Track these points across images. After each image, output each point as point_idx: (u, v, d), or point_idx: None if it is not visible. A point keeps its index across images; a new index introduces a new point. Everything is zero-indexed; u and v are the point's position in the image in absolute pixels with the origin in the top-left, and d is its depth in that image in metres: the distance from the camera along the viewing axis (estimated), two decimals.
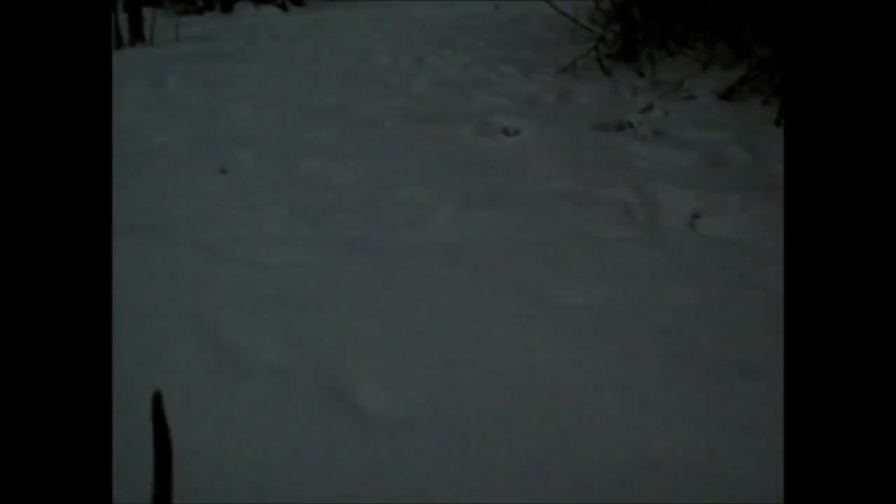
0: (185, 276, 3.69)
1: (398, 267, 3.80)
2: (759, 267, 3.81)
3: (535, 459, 2.55)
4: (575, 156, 5.57)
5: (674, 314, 3.41)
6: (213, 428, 2.64)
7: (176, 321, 3.27)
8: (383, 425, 2.69)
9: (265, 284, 3.61)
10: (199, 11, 18.82)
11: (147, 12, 13.03)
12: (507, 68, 9.13)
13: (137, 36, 12.57)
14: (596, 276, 3.76)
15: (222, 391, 2.82)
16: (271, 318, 3.32)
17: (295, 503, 2.33)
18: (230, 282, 3.63)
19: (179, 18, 15.42)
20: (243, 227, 4.29)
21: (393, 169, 5.24)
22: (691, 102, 7.22)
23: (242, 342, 3.14)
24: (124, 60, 10.40)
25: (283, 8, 19.46)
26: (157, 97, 7.83)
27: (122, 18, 12.31)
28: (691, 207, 4.58)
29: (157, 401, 1.43)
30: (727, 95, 7.19)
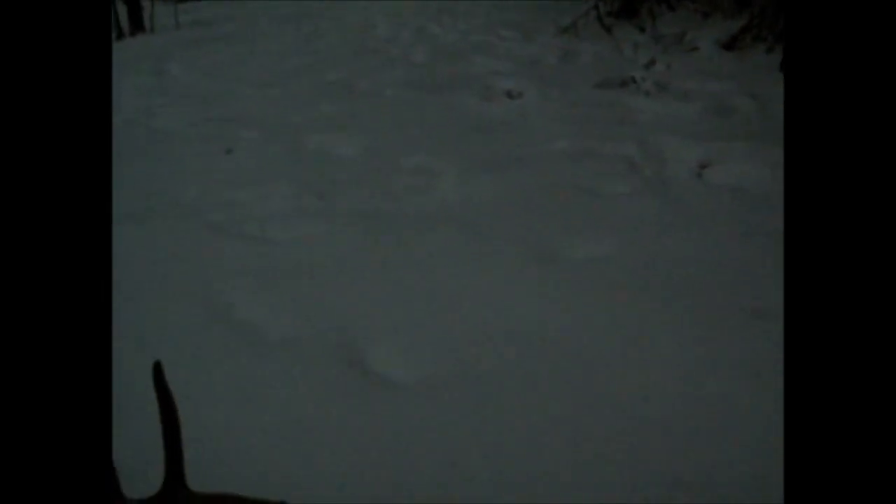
0: (196, 255, 3.72)
1: (406, 234, 3.82)
2: (765, 212, 3.80)
3: (550, 415, 2.56)
4: (578, 114, 5.56)
5: (682, 264, 3.41)
6: (229, 402, 2.67)
7: (190, 299, 3.30)
8: (398, 390, 2.71)
9: (275, 259, 3.63)
10: None
11: (146, 2, 13.02)
12: (507, 32, 9.09)
13: (137, 26, 12.57)
14: (603, 230, 3.77)
15: (238, 365, 2.85)
16: (283, 291, 3.34)
17: (314, 470, 2.36)
18: (241, 259, 3.65)
19: (178, 5, 15.39)
20: (251, 204, 4.31)
21: (397, 138, 5.25)
22: (694, 54, 7.18)
23: (256, 317, 3.17)
24: (126, 51, 10.41)
25: None
26: (160, 84, 7.85)
27: (122, 10, 12.31)
28: (697, 158, 4.57)
29: (158, 370, 1.44)
30: (730, 45, 7.15)
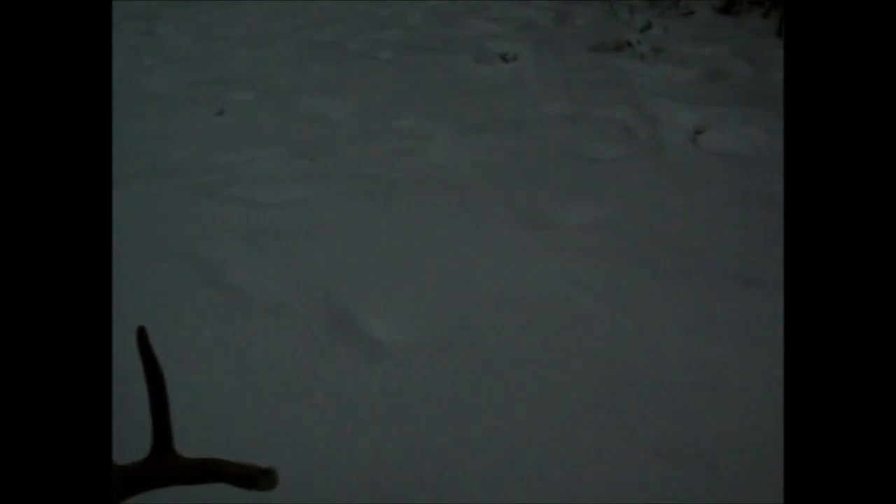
0: (186, 218, 3.68)
1: (397, 196, 3.78)
2: (761, 177, 3.78)
3: (544, 378, 2.55)
4: (573, 78, 5.51)
5: (676, 228, 3.40)
6: (219, 364, 2.65)
7: (180, 262, 3.27)
8: (388, 352, 2.69)
9: (265, 221, 3.60)
10: None
11: None
12: None
13: None
14: (597, 195, 3.75)
15: (227, 328, 2.83)
16: (273, 254, 3.31)
17: (304, 433, 2.34)
18: (231, 221, 3.62)
19: None
20: (242, 166, 4.27)
21: (389, 100, 5.20)
22: (690, 18, 7.12)
23: (245, 279, 3.14)
24: (114, 11, 10.27)
25: None
26: (149, 44, 7.74)
27: None
28: (693, 123, 4.53)
29: (142, 336, 1.43)
30: (726, 9, 7.09)
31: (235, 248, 3.38)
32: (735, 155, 4.11)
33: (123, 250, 3.34)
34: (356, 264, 3.21)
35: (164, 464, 1.43)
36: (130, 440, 1.65)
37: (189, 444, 1.60)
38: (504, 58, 6.22)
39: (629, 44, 6.27)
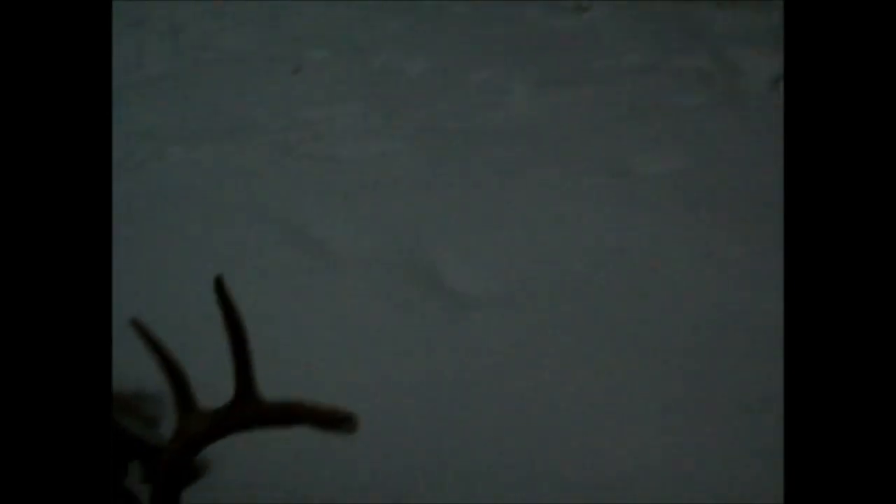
0: (268, 175, 3.75)
1: (475, 150, 3.80)
2: None
3: (625, 328, 2.58)
4: (650, 27, 5.41)
5: (757, 178, 3.35)
6: (304, 316, 2.72)
7: (264, 218, 3.34)
8: (471, 305, 2.73)
9: (346, 177, 3.65)
10: None
11: None
12: None
13: None
14: (676, 145, 3.71)
15: (312, 281, 2.90)
16: (353, 209, 3.37)
17: (386, 381, 2.40)
18: (312, 178, 3.68)
19: None
20: (320, 123, 4.32)
21: (464, 54, 5.18)
22: None
23: (329, 235, 3.20)
24: None
25: None
26: (222, 6, 7.80)
27: None
28: (773, 70, 4.43)
29: (220, 285, 1.45)
30: None
31: (317, 204, 3.44)
32: None
33: (208, 209, 3.43)
34: (437, 218, 3.25)
35: (248, 407, 1.46)
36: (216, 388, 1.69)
37: (274, 389, 1.65)
38: (579, 7, 6.13)
39: None
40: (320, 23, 6.51)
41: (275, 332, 2.64)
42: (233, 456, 2.12)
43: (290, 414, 1.44)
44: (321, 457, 2.10)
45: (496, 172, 3.58)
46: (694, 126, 3.88)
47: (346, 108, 4.50)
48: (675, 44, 4.97)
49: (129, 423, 2.03)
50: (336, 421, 1.40)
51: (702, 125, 3.88)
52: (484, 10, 6.28)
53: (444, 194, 3.42)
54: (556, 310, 2.68)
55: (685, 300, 2.68)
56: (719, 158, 3.56)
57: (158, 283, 2.90)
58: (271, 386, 1.94)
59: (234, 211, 3.42)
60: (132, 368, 1.81)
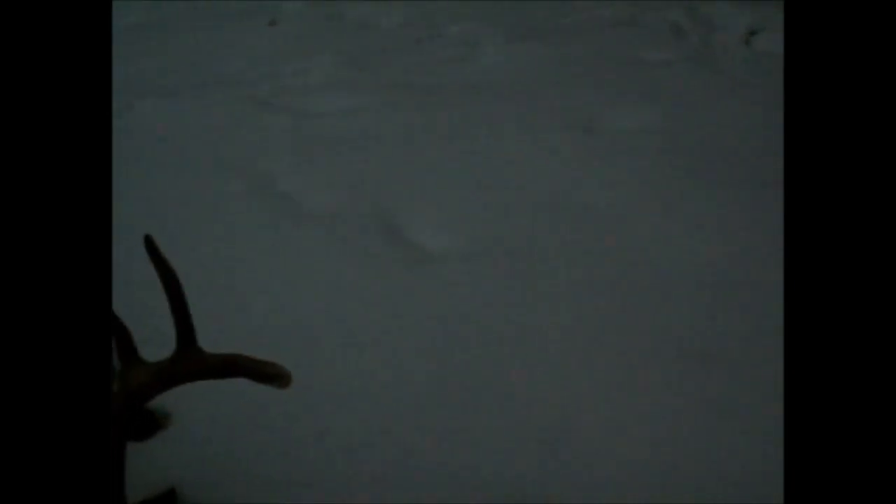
0: (239, 128, 3.75)
1: (446, 104, 3.80)
2: None
3: (581, 280, 2.61)
4: None
5: (725, 134, 3.38)
6: (271, 270, 2.74)
7: (233, 171, 3.34)
8: (435, 259, 2.75)
9: (316, 131, 3.65)
10: None
11: None
12: None
13: None
14: (647, 100, 3.73)
15: (279, 235, 2.91)
16: (323, 163, 3.37)
17: (352, 335, 2.43)
18: (283, 131, 3.68)
19: None
20: (294, 77, 4.31)
21: (439, 7, 5.16)
22: None
23: (296, 188, 3.21)
24: None
25: None
26: None
27: None
28: (747, 24, 4.44)
29: (150, 243, 1.46)
30: None
31: (287, 157, 3.45)
32: None
33: (175, 162, 3.43)
34: (405, 172, 3.26)
35: (189, 360, 1.50)
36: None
37: (240, 344, 1.68)
38: None
39: None
40: None
41: (239, 283, 2.67)
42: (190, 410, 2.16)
43: (228, 367, 1.47)
44: (278, 405, 2.14)
45: (464, 127, 3.59)
46: (665, 81, 3.90)
47: (319, 62, 4.49)
48: None
49: None
50: (271, 375, 1.43)
51: (674, 80, 3.90)
52: None
53: (412, 149, 3.43)
54: (519, 264, 2.71)
55: (652, 256, 2.71)
56: (690, 114, 3.58)
57: (122, 236, 2.92)
58: (235, 337, 1.98)
59: (201, 164, 3.42)
60: None
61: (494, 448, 2.03)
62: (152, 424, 2.14)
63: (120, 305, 1.65)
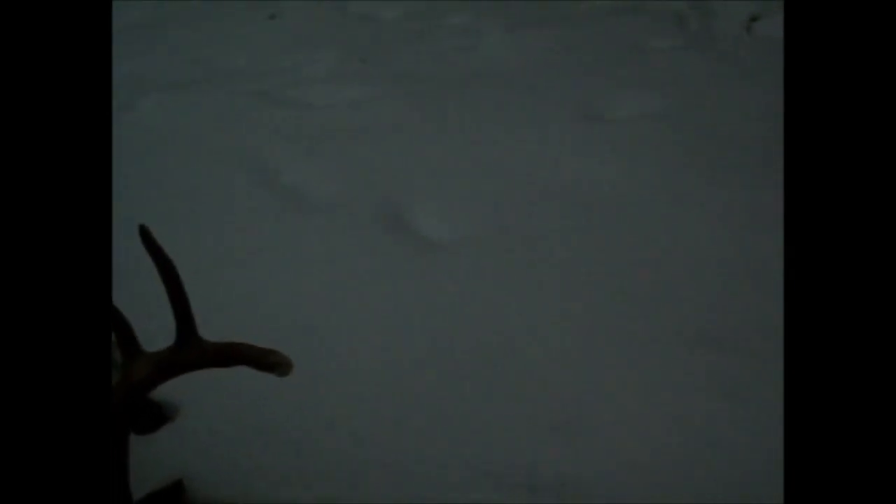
0: (242, 121, 3.74)
1: (450, 95, 3.80)
2: None
3: (588, 268, 2.61)
4: None
5: (727, 120, 3.38)
6: (275, 262, 2.74)
7: (236, 165, 3.34)
8: (441, 249, 2.76)
9: (319, 124, 3.65)
10: None
11: None
12: None
13: None
14: (650, 87, 3.72)
15: (283, 228, 2.91)
16: (327, 155, 3.37)
17: (357, 326, 2.44)
18: (286, 124, 3.67)
19: None
20: (296, 70, 4.31)
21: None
22: None
23: (300, 180, 3.21)
24: None
25: None
26: None
27: None
28: (748, 10, 4.43)
29: (145, 233, 1.45)
30: None
31: (290, 150, 3.45)
32: None
33: (181, 156, 3.44)
34: (408, 163, 3.26)
35: (190, 349, 1.50)
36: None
37: (243, 335, 1.68)
38: None
39: None
40: None
41: (244, 275, 2.68)
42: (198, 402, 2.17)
43: (229, 355, 1.47)
44: (285, 396, 2.15)
45: (468, 117, 3.58)
46: (668, 69, 3.89)
47: (321, 54, 4.48)
48: None
49: None
50: (272, 363, 1.43)
51: (676, 68, 3.89)
52: None
53: (416, 140, 3.43)
54: (526, 253, 2.71)
55: (657, 243, 2.71)
56: (694, 100, 3.57)
57: (127, 230, 2.92)
58: (240, 328, 1.98)
59: (205, 157, 3.42)
60: None
61: (505, 436, 2.04)
62: (159, 417, 2.15)
63: (128, 299, 1.66)
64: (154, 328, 1.80)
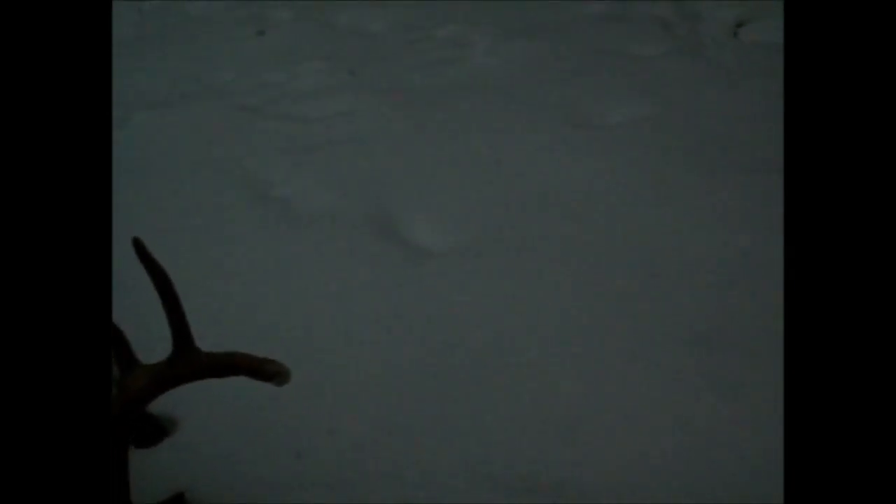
0: (233, 136, 3.74)
1: (439, 105, 3.81)
2: None
3: (583, 271, 2.63)
4: None
5: (716, 123, 3.40)
6: (269, 274, 2.75)
7: (228, 179, 3.35)
8: (434, 257, 2.76)
9: (309, 136, 3.66)
10: None
11: None
12: None
13: None
14: (636, 92, 3.74)
15: (276, 240, 2.92)
16: (317, 167, 3.38)
17: (351, 336, 2.44)
18: (276, 137, 3.68)
19: None
20: (284, 84, 4.31)
21: (428, 10, 5.16)
22: None
23: (292, 192, 3.22)
24: None
25: None
26: None
27: None
28: (734, 16, 4.46)
29: (139, 246, 1.46)
30: None
31: (281, 163, 3.45)
32: (777, 46, 4.04)
33: (176, 170, 3.44)
34: (399, 173, 3.27)
35: (187, 360, 1.50)
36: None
37: (240, 346, 1.68)
38: None
39: None
40: None
41: (239, 287, 2.68)
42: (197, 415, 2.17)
43: (226, 365, 1.48)
44: (284, 405, 2.15)
45: (458, 126, 3.60)
46: (655, 74, 3.91)
47: (310, 68, 4.49)
48: None
49: None
50: (269, 372, 1.43)
51: (663, 73, 3.91)
52: None
53: (406, 150, 3.44)
54: (520, 258, 2.72)
55: (649, 245, 2.73)
56: (683, 104, 3.60)
57: (121, 245, 2.92)
58: (237, 340, 1.98)
59: (199, 172, 3.43)
60: None
61: (506, 439, 2.05)
62: (159, 431, 2.15)
63: (125, 312, 1.66)
64: (151, 340, 1.80)
